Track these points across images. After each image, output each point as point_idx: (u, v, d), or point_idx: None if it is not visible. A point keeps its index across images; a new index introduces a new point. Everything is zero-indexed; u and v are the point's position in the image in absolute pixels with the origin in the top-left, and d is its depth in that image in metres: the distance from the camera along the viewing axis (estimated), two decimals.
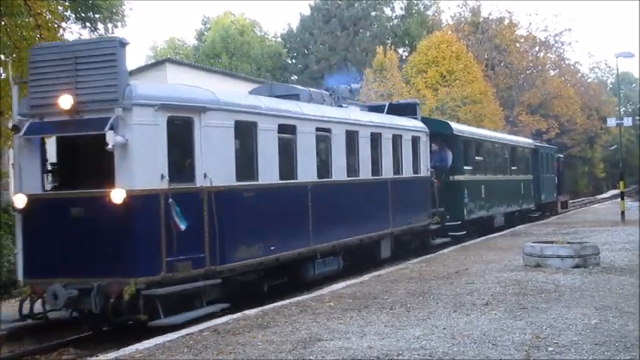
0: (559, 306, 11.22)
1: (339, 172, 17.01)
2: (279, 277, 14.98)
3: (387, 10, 75.79)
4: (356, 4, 69.81)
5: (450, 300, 12.16)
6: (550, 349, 8.44)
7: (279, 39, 76.39)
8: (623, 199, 34.98)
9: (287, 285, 15.39)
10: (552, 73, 78.02)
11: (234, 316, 11.44)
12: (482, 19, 72.77)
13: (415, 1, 75.74)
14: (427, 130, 22.75)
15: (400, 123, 21.27)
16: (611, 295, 12.12)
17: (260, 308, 12.10)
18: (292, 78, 71.17)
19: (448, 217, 23.99)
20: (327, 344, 9.05)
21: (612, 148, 78.93)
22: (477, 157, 27.92)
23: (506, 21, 73.41)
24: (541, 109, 72.58)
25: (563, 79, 77.74)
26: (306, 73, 69.63)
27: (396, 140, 20.38)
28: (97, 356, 9.13)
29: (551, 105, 73.28)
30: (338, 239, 16.66)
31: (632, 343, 8.61)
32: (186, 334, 10.09)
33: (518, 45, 74.22)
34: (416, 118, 22.74)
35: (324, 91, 19.00)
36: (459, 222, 24.76)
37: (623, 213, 32.97)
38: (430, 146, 23.40)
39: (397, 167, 20.41)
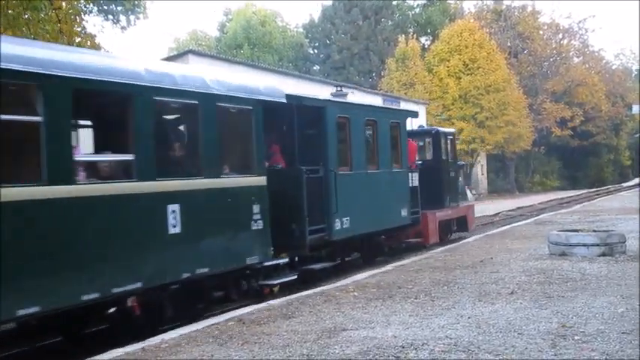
0: (585, 295, 11.14)
1: None
2: None
3: None
4: None
5: (474, 289, 12.11)
6: (576, 337, 8.38)
7: (301, 29, 76.37)
8: None
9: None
10: (576, 60, 77.62)
11: (259, 306, 11.47)
12: (504, 7, 72.45)
13: None
14: None
15: None
16: (638, 283, 12.02)
17: (284, 298, 12.12)
18: (314, 68, 71.18)
19: None
20: (352, 334, 9.05)
21: (637, 135, 78.34)
22: None
23: (529, 8, 73.00)
24: (565, 97, 72.24)
25: (587, 66, 77.28)
26: (328, 63, 69.64)
27: None
28: (124, 347, 9.18)
29: (576, 92, 72.90)
30: None
31: None
32: (212, 324, 10.13)
33: (541, 32, 73.86)
34: None
35: None
36: None
37: None
38: None
39: None
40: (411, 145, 20.90)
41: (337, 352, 8.17)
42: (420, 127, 24.45)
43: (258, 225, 12.93)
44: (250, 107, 12.98)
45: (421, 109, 55.27)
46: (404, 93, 56.17)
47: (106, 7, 28.08)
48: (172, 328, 10.31)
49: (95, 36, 21.51)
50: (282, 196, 13.96)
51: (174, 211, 10.91)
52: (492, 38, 62.75)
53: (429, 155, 23.12)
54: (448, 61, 58.54)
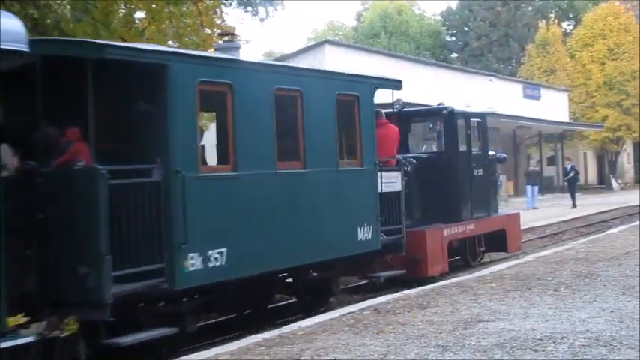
0: None
1: None
2: None
3: None
4: None
5: (618, 282, 11.72)
6: None
7: (438, 17, 75.77)
8: None
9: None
10: None
11: (395, 295, 11.50)
12: None
13: None
14: None
15: None
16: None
17: (420, 288, 12.11)
18: (452, 56, 70.48)
19: None
20: (489, 325, 8.94)
21: None
22: None
23: None
24: None
25: None
26: (466, 51, 68.83)
27: None
28: (262, 333, 9.41)
29: None
30: None
31: None
32: (347, 313, 10.22)
33: None
34: None
35: None
36: None
37: None
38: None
39: None
40: (388, 131, 13.84)
41: (473, 343, 8.09)
42: (439, 104, 17.30)
43: None
44: None
45: (563, 96, 53.84)
46: (545, 80, 54.91)
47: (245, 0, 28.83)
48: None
49: (235, 28, 22.13)
50: (63, 219, 8.32)
51: None
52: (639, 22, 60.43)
53: (441, 145, 16.37)
54: (591, 46, 56.74)
